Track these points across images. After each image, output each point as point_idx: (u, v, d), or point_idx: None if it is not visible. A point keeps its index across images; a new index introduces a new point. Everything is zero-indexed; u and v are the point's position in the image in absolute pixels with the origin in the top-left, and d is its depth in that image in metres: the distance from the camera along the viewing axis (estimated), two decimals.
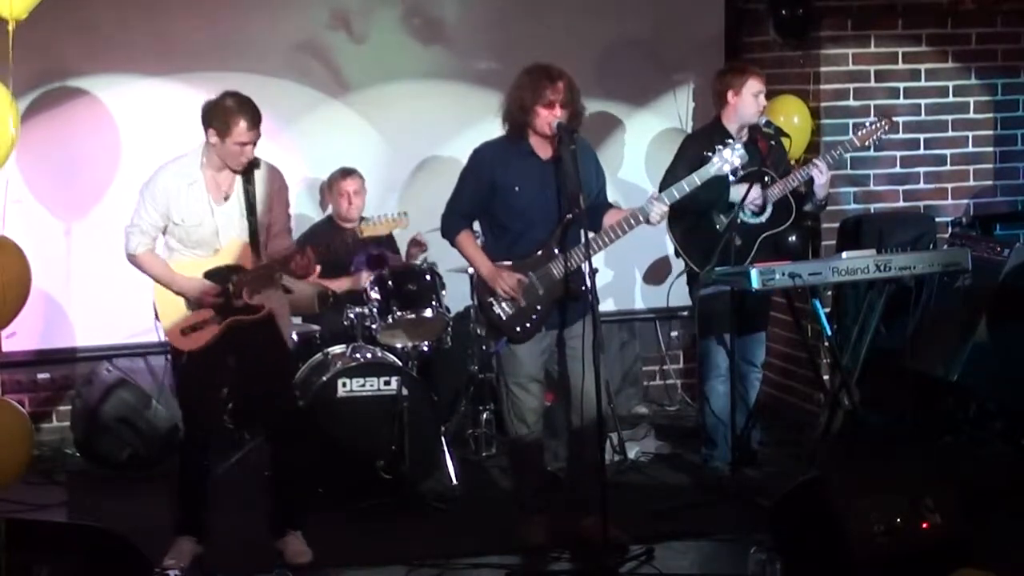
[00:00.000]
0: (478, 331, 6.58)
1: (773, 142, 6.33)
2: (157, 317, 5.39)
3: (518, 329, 5.48)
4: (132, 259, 5.33)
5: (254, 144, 5.18)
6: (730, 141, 5.55)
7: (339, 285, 6.62)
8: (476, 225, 5.67)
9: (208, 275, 5.26)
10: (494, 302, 5.48)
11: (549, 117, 5.35)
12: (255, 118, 5.13)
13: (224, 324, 5.27)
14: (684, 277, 6.50)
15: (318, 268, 6.56)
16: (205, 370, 5.33)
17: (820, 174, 6.19)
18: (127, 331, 6.91)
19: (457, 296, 6.78)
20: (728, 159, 5.50)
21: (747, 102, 6.24)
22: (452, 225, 5.56)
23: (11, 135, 5.27)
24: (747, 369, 6.42)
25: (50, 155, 6.88)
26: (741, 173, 5.95)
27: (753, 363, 6.46)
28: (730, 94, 6.28)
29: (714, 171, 5.51)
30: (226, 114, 5.11)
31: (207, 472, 5.49)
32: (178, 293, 5.28)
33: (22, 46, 5.54)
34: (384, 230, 5.44)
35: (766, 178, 6.19)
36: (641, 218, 5.43)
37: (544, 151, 5.47)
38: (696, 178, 5.49)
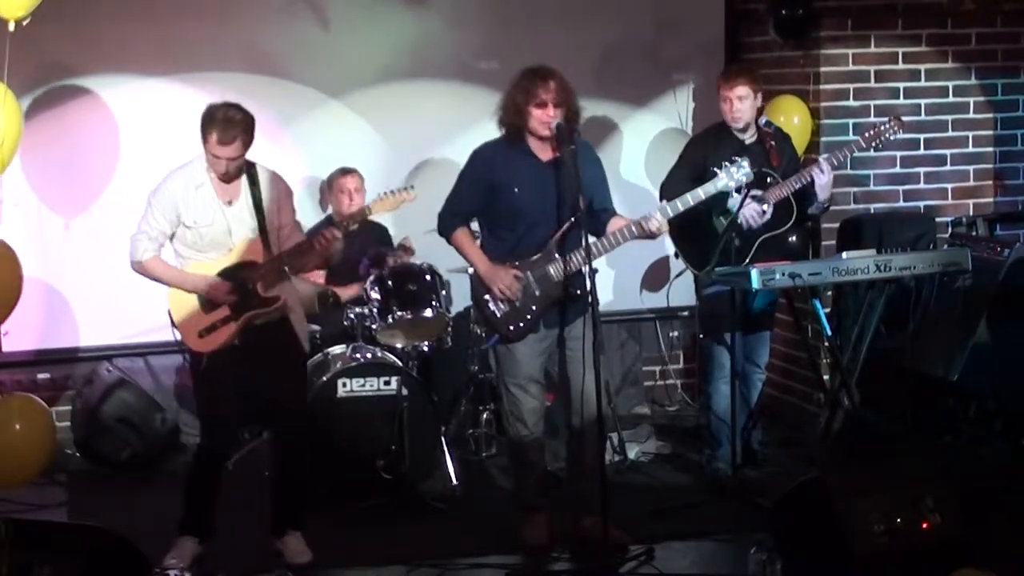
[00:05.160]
0: (478, 331, 6.59)
1: (774, 141, 6.32)
2: (174, 324, 5.36)
3: (511, 328, 5.48)
4: (138, 266, 5.31)
5: (231, 160, 5.16)
6: (736, 159, 5.54)
7: (349, 293, 6.62)
8: (475, 225, 5.68)
9: (220, 276, 5.26)
10: (489, 300, 5.49)
11: (543, 117, 5.35)
12: (228, 134, 5.11)
13: (241, 321, 5.26)
14: (689, 277, 6.50)
15: (324, 273, 6.58)
16: (225, 372, 5.30)
17: (821, 174, 6.18)
18: (127, 331, 6.92)
19: (457, 296, 6.78)
20: (734, 176, 5.50)
21: (726, 106, 6.22)
22: (448, 224, 5.57)
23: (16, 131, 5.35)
24: (750, 369, 6.41)
25: (49, 154, 6.87)
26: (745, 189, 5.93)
27: (757, 363, 6.45)
28: (720, 98, 6.29)
29: (720, 187, 5.51)
30: (204, 123, 5.17)
31: (220, 476, 5.48)
32: (190, 291, 5.27)
33: (22, 46, 5.57)
34: (392, 205, 5.46)
35: (768, 179, 6.19)
36: (644, 227, 5.41)
37: (543, 153, 5.47)
38: (701, 192, 5.49)
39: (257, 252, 5.28)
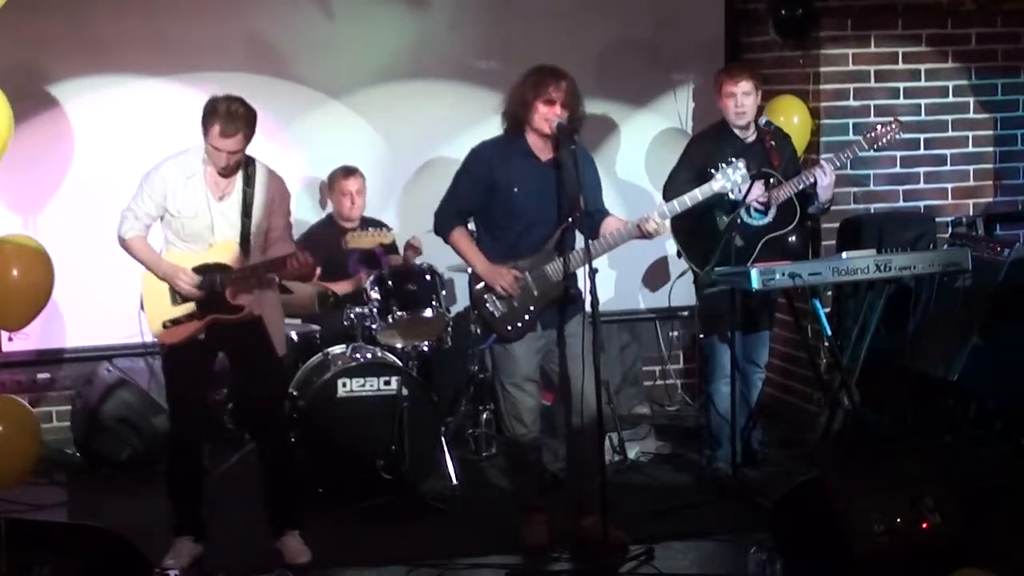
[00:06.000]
0: (477, 331, 6.59)
1: (775, 141, 6.32)
2: (142, 308, 5.39)
3: (509, 328, 5.48)
4: (121, 242, 5.36)
5: (232, 153, 5.17)
6: (734, 160, 5.55)
7: (340, 287, 6.63)
8: (471, 224, 5.68)
9: (195, 271, 5.26)
10: (487, 299, 5.48)
11: (548, 114, 5.34)
12: (231, 127, 5.11)
13: (205, 321, 5.27)
14: (688, 276, 6.50)
15: (319, 270, 6.60)
16: (187, 366, 5.33)
17: (824, 176, 6.19)
18: (127, 331, 6.89)
19: (457, 296, 6.78)
20: (731, 178, 5.50)
21: (726, 105, 6.23)
22: (445, 223, 5.56)
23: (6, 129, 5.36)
24: (750, 369, 6.41)
25: (47, 154, 6.87)
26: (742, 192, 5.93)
27: (756, 363, 6.45)
28: (718, 97, 6.29)
29: (716, 188, 5.52)
30: (207, 115, 5.17)
31: (198, 471, 5.50)
32: (162, 278, 5.28)
33: (15, 45, 5.57)
34: (369, 243, 5.47)
35: (771, 179, 6.19)
36: (643, 228, 5.42)
37: (543, 153, 5.47)
38: (699, 194, 5.50)
39: (234, 256, 5.27)
